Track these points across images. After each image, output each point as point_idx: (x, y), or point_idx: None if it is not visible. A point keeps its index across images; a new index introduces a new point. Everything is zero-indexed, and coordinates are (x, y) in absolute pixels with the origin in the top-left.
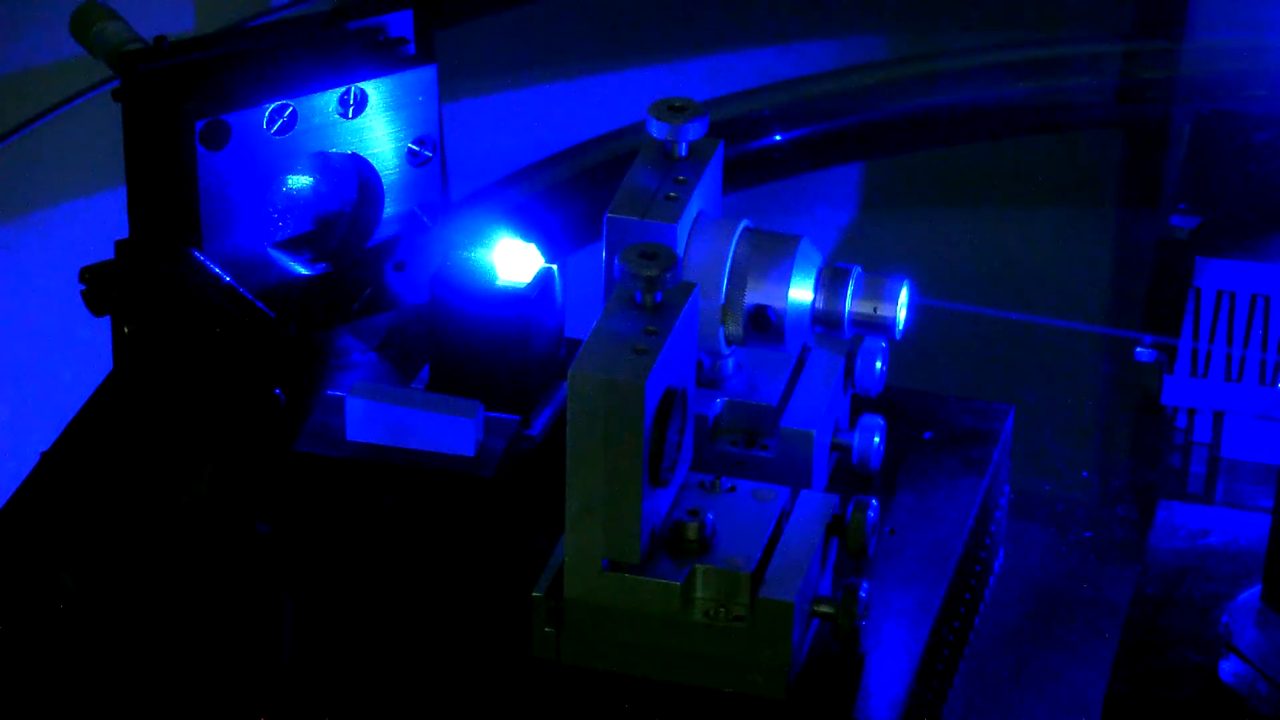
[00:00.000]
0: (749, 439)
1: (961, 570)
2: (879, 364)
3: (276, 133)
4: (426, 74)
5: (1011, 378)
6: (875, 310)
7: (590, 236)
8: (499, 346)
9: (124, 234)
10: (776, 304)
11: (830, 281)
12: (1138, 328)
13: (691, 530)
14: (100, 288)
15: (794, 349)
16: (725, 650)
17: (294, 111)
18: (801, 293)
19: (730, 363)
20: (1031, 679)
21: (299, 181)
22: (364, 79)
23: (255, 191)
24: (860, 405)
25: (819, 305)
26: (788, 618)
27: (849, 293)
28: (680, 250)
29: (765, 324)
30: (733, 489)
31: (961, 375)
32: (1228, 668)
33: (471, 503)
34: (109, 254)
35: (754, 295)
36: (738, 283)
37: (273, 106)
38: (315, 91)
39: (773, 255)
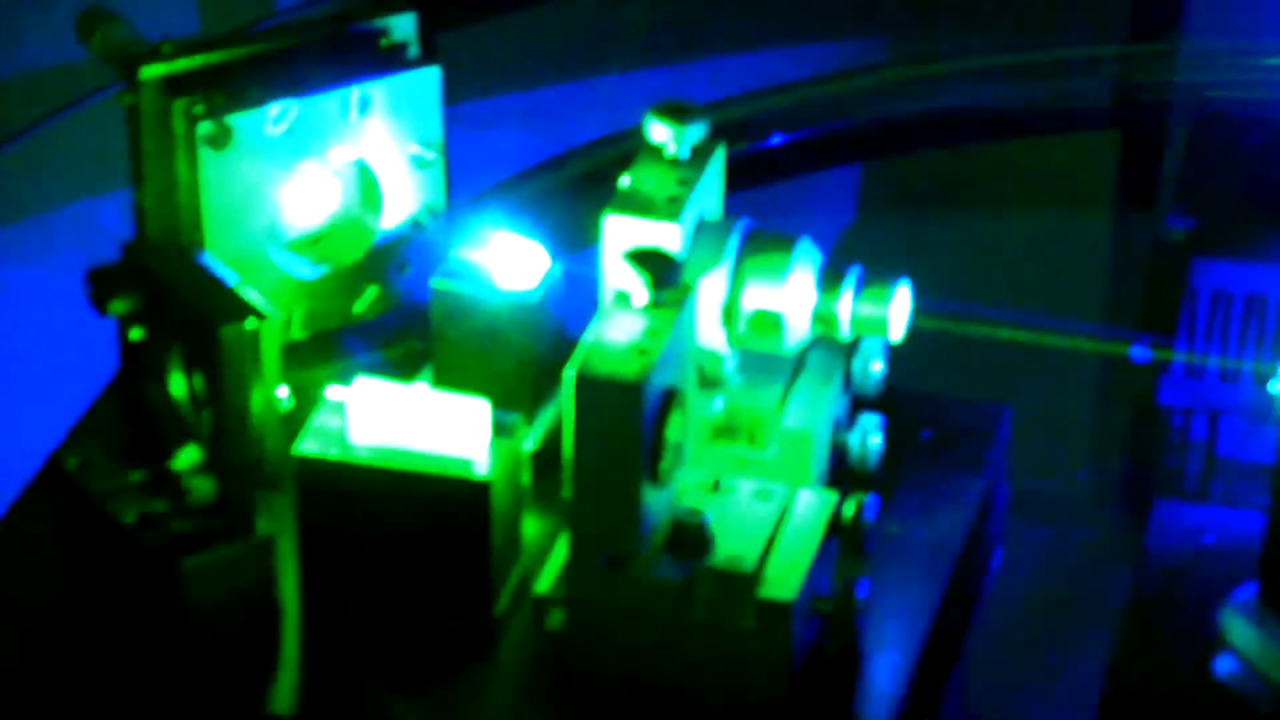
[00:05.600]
0: (749, 439)
1: (960, 569)
2: (878, 364)
3: (280, 134)
4: (430, 76)
5: (1009, 378)
6: (875, 311)
7: (591, 237)
8: (501, 346)
9: (130, 236)
10: (776, 304)
11: (830, 282)
12: (1134, 328)
13: (691, 530)
14: (107, 289)
15: (794, 349)
16: (725, 650)
17: (297, 113)
18: (801, 293)
19: (730, 363)
20: (1029, 677)
21: (303, 183)
22: (367, 81)
23: (259, 193)
24: (859, 405)
25: (819, 305)
26: (788, 618)
27: (849, 293)
28: (680, 250)
29: (765, 324)
30: (733, 489)
31: (960, 375)
32: (1223, 665)
33: (473, 502)
34: (115, 256)
35: (754, 295)
36: (738, 283)
37: (276, 108)
38: (319, 93)
39: (773, 255)
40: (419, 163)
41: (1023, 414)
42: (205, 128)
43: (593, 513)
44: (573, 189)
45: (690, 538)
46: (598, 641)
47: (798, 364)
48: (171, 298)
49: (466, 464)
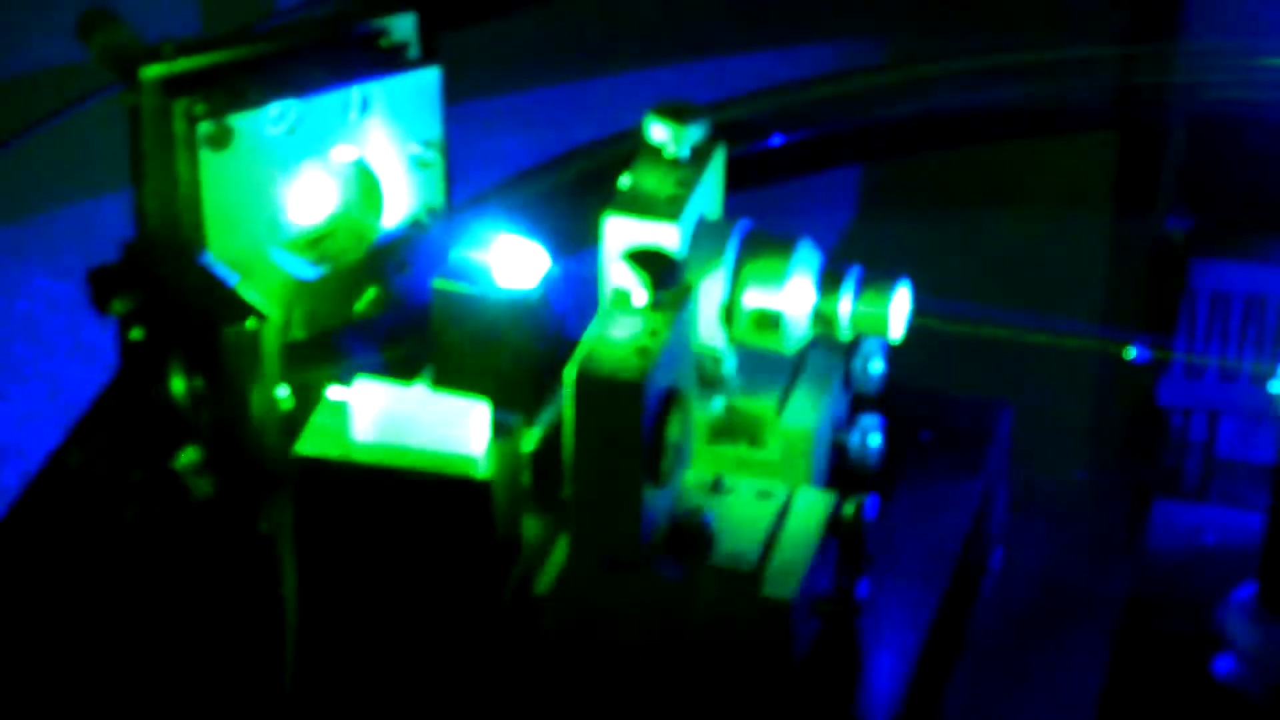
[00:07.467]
0: (749, 439)
1: (960, 568)
2: (878, 363)
3: (280, 134)
4: (430, 76)
5: (1009, 378)
6: (875, 311)
7: (591, 237)
8: (501, 346)
9: (130, 236)
10: (776, 304)
11: (830, 282)
12: (1134, 328)
13: (691, 530)
14: (107, 289)
15: (794, 349)
16: (725, 649)
17: (298, 113)
18: (801, 293)
19: (730, 363)
20: (1028, 676)
21: (303, 183)
22: (368, 81)
23: (259, 193)
24: (859, 404)
25: (819, 305)
26: (788, 617)
27: (849, 293)
28: (680, 250)
29: (765, 324)
30: (733, 489)
31: (960, 375)
32: (1223, 665)
33: (474, 502)
34: (116, 256)
35: (754, 295)
36: (738, 283)
37: (277, 108)
38: (319, 93)
39: (773, 255)
40: (419, 163)
41: (1023, 414)
42: (206, 128)
43: (593, 513)
44: (573, 189)
45: (690, 538)
46: (598, 641)
47: (798, 364)
48: (172, 298)
49: (466, 464)
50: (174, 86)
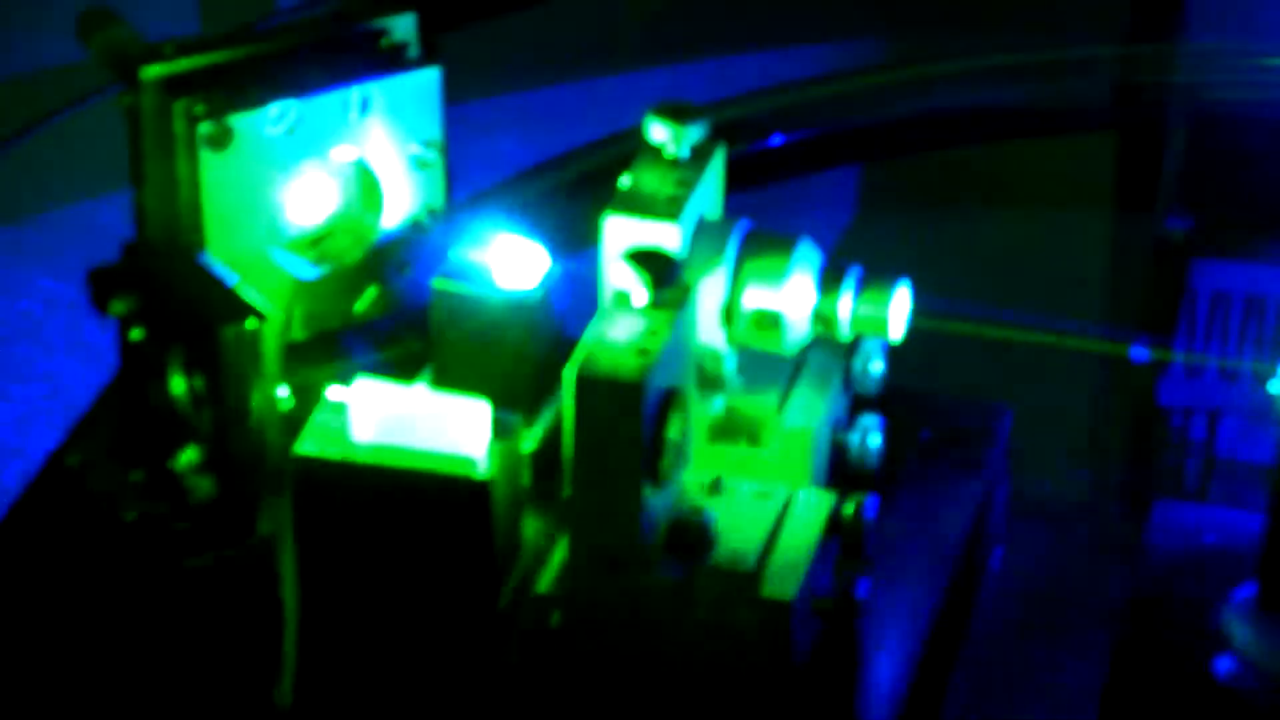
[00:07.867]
0: (749, 439)
1: (960, 569)
2: (878, 363)
3: (280, 135)
4: (430, 76)
5: (1009, 378)
6: (875, 311)
7: (591, 238)
8: (501, 347)
9: (130, 236)
10: (776, 304)
11: (830, 282)
12: (1134, 328)
13: (691, 530)
14: (107, 289)
15: (794, 349)
16: (725, 650)
17: (297, 113)
18: (801, 293)
19: (730, 363)
20: (1029, 677)
21: (303, 183)
22: (367, 81)
23: (259, 193)
24: (859, 404)
25: (819, 305)
26: (788, 617)
27: (849, 293)
28: (680, 250)
29: (765, 324)
30: (733, 489)
31: (960, 375)
32: (1223, 665)
33: (474, 502)
34: (116, 256)
35: (754, 295)
36: (738, 283)
37: (276, 108)
38: (319, 93)
39: (773, 255)
40: (419, 163)
41: (1023, 414)
42: (205, 128)
43: (593, 513)
44: (573, 189)
45: (690, 538)
46: (598, 641)
47: (798, 364)
48: (171, 298)
49: (467, 464)
50: (174, 86)
